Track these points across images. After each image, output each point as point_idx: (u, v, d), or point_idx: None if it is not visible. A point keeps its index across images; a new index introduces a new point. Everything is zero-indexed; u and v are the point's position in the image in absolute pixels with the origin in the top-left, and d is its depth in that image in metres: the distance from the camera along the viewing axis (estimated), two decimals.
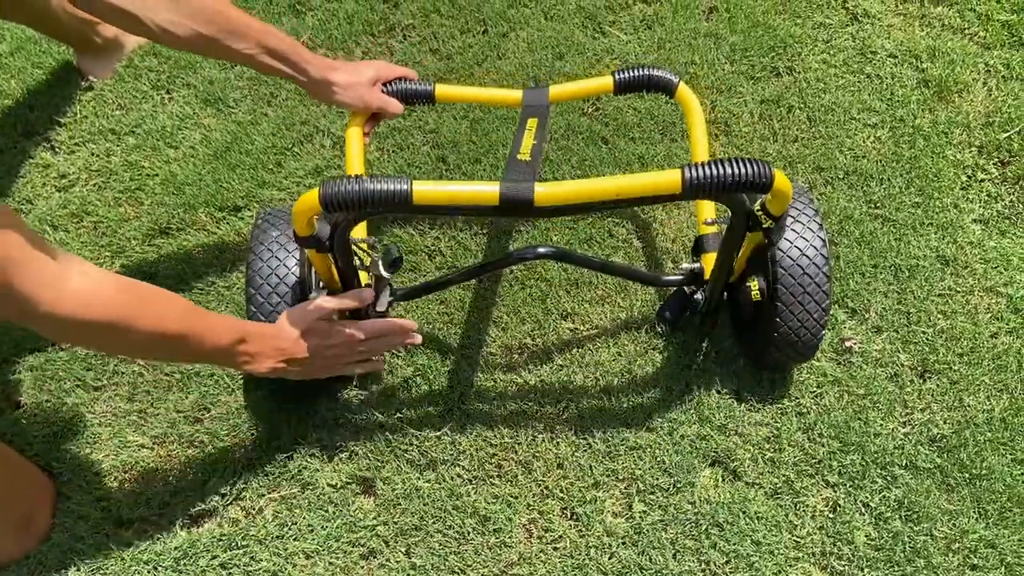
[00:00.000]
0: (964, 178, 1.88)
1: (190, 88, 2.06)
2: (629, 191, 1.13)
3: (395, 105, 1.57)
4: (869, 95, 2.01)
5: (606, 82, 1.60)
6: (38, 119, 2.03)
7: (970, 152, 1.91)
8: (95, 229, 1.85)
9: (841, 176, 1.87)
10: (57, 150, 1.98)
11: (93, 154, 1.97)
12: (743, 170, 1.09)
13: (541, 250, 1.44)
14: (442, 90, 1.59)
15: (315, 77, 1.47)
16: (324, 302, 1.38)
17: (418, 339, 1.48)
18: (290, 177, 1.91)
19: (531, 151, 1.35)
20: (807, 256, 1.42)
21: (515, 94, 1.62)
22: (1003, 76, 2.03)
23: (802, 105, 1.98)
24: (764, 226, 1.24)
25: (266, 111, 2.02)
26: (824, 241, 1.43)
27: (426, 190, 1.12)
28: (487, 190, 1.14)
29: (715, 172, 1.09)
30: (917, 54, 2.06)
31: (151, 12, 1.32)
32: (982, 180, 1.88)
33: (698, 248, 1.58)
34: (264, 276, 1.43)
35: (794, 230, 1.44)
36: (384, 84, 1.58)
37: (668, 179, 1.11)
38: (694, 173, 1.10)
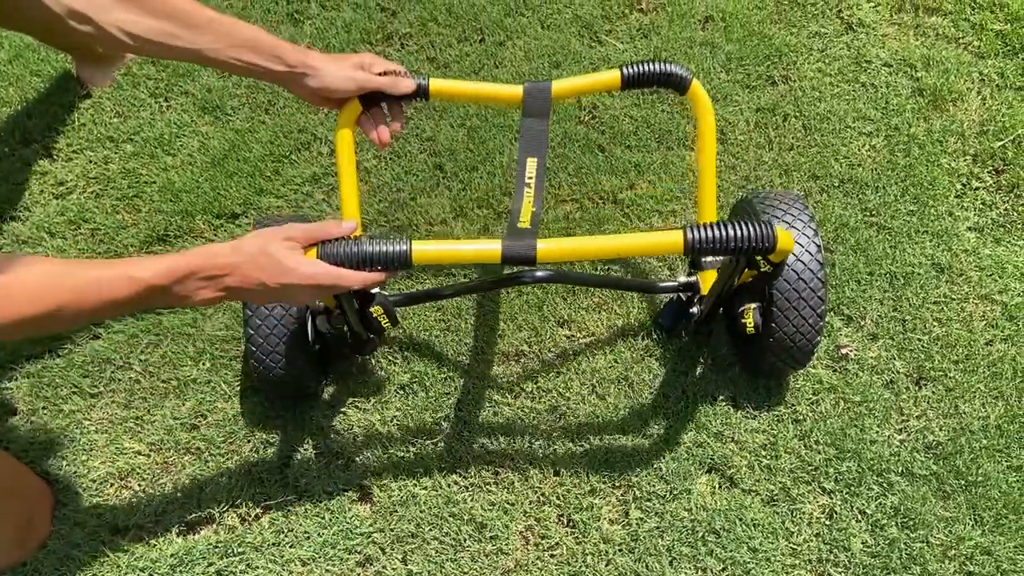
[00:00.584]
0: (959, 186, 1.89)
1: (188, 96, 2.07)
2: (631, 250, 1.15)
3: (402, 83, 1.35)
4: (864, 104, 2.02)
5: (613, 76, 1.41)
6: (36, 126, 2.03)
7: (965, 160, 1.92)
8: (92, 236, 1.85)
9: (836, 184, 1.88)
10: (55, 157, 1.99)
11: (91, 161, 1.97)
12: (746, 233, 1.09)
13: (539, 274, 1.43)
14: (437, 85, 1.37)
15: (291, 62, 1.28)
16: (293, 227, 1.17)
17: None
18: (288, 184, 1.91)
19: (531, 219, 1.30)
20: (802, 262, 1.42)
21: (515, 90, 1.41)
22: (997, 85, 2.04)
23: (798, 114, 1.99)
24: (763, 270, 1.23)
25: (264, 119, 2.03)
26: (819, 248, 1.44)
27: (426, 251, 1.12)
28: (489, 249, 1.14)
29: (718, 235, 1.09)
30: (912, 63, 2.08)
31: (103, 11, 1.19)
32: (977, 188, 1.89)
33: (696, 264, 1.58)
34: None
35: None
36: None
37: (671, 240, 1.11)
38: (697, 235, 1.10)
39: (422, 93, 1.36)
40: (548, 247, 1.15)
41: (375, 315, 1.40)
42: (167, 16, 1.21)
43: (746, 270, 1.30)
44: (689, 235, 1.10)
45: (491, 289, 1.68)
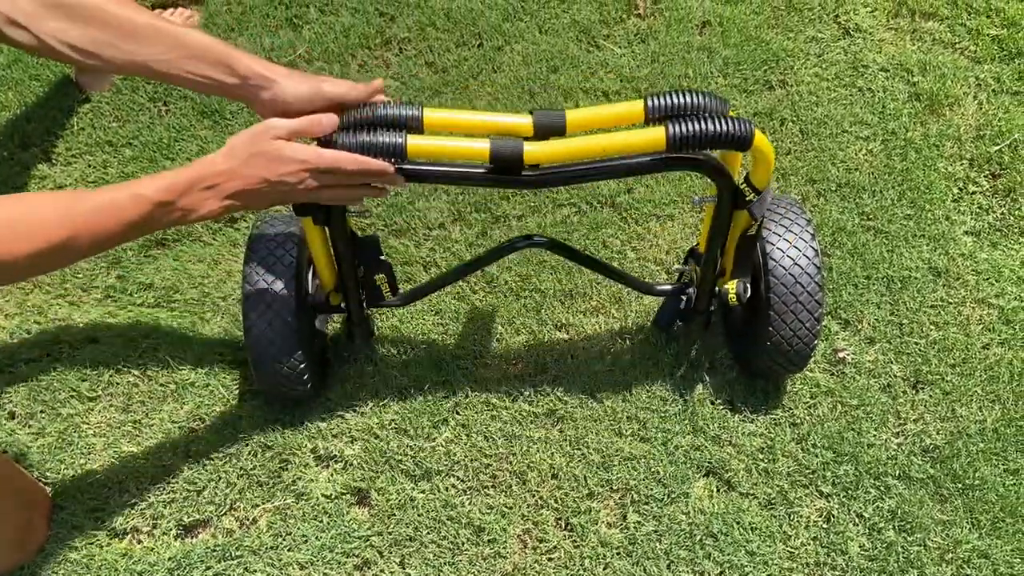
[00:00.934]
0: (955, 190, 1.90)
1: (186, 100, 2.07)
2: (616, 148, 1.15)
3: (373, 90, 1.21)
4: (861, 108, 2.02)
5: (656, 136, 1.15)
6: (35, 131, 2.03)
7: (961, 165, 1.93)
8: None
9: (834, 188, 1.89)
10: (54, 162, 1.99)
11: (90, 166, 1.97)
12: (725, 127, 1.11)
13: (536, 239, 1.45)
14: (432, 116, 1.19)
15: (243, 72, 1.15)
16: (276, 122, 1.12)
17: (401, 181, 1.20)
18: None
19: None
20: (799, 266, 1.43)
21: (523, 121, 1.18)
22: (993, 90, 2.05)
23: (795, 118, 2.00)
24: (748, 199, 1.25)
25: None
26: (816, 251, 1.44)
27: (420, 144, 1.14)
28: (478, 146, 1.15)
29: (698, 128, 1.11)
30: (908, 68, 2.09)
31: (36, 20, 1.09)
32: (973, 192, 1.90)
33: (693, 257, 1.58)
34: (261, 277, 1.44)
35: (787, 240, 1.45)
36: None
37: (654, 136, 1.13)
38: (678, 130, 1.11)
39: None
40: (536, 148, 1.14)
41: (377, 282, 1.45)
42: (104, 25, 1.12)
43: (732, 235, 1.35)
44: (671, 130, 1.12)
45: (489, 263, 1.59)
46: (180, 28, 1.15)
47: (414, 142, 1.14)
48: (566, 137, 1.17)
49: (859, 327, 1.70)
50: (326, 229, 1.33)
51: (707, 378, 1.64)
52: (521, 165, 1.16)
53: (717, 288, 1.50)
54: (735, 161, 1.27)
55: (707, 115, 1.13)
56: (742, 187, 1.26)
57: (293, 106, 1.17)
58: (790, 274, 1.43)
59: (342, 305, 1.52)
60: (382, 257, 1.43)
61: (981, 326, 1.71)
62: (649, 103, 1.14)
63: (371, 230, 1.85)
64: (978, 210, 1.87)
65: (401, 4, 2.21)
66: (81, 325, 1.73)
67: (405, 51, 2.16)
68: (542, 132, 1.18)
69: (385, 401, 1.63)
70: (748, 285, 1.47)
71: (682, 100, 1.14)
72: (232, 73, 1.15)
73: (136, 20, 1.12)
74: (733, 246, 1.42)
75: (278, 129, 1.11)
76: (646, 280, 1.77)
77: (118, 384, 1.66)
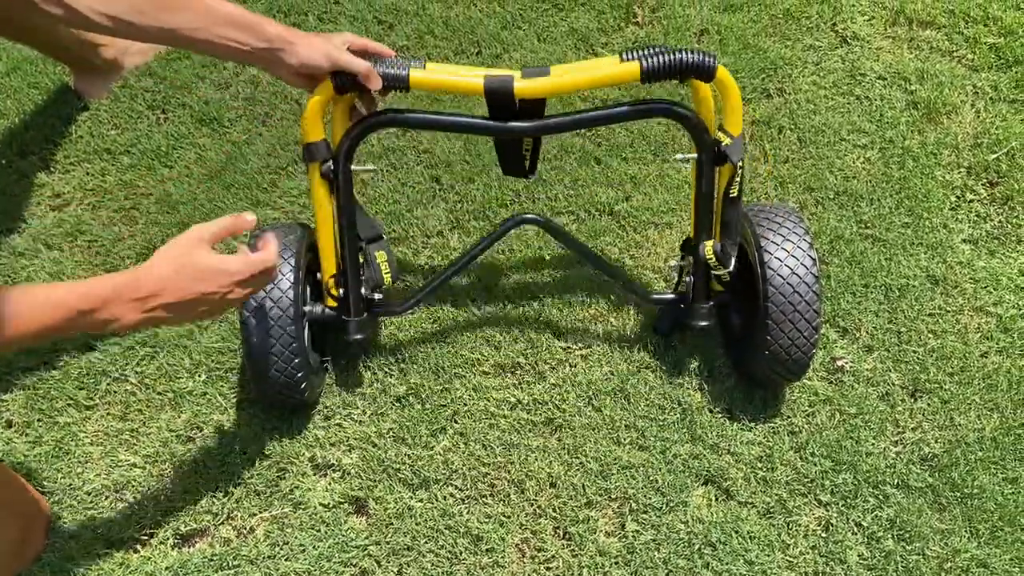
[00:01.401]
0: (953, 198, 1.90)
1: (185, 108, 2.08)
2: (598, 82, 1.34)
3: (372, 76, 1.30)
4: (859, 116, 2.03)
5: (630, 69, 1.32)
6: (34, 139, 2.03)
7: (959, 173, 1.93)
8: (89, 248, 1.85)
9: (831, 196, 1.89)
10: (52, 169, 1.99)
11: (88, 173, 1.97)
12: (690, 57, 1.30)
13: (528, 216, 1.55)
14: (418, 76, 1.32)
15: (270, 35, 1.24)
16: (201, 231, 1.15)
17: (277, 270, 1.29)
18: (284, 196, 1.92)
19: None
20: (797, 275, 1.43)
21: (514, 73, 1.33)
22: (991, 98, 2.05)
23: (792, 126, 2.00)
24: (723, 144, 1.38)
25: (260, 131, 2.03)
26: (814, 260, 1.44)
27: (420, 77, 1.32)
28: (473, 80, 1.31)
29: (666, 59, 1.30)
30: (906, 76, 2.09)
31: None
32: (971, 200, 1.90)
33: (686, 249, 1.59)
34: (258, 294, 1.44)
35: (784, 248, 1.45)
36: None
37: (629, 69, 1.31)
38: (650, 63, 1.30)
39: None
40: (525, 84, 1.31)
41: (378, 260, 1.52)
42: None
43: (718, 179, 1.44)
44: (644, 64, 1.30)
45: (487, 247, 1.60)
46: None
47: (416, 74, 1.31)
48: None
49: (857, 335, 1.70)
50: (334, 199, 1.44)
51: (705, 386, 1.64)
52: (512, 100, 1.33)
53: (700, 253, 1.50)
54: (709, 115, 1.39)
55: (674, 49, 1.32)
56: (717, 136, 1.39)
57: (310, 70, 1.28)
58: (788, 283, 1.43)
59: (340, 306, 1.53)
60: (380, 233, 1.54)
61: (979, 334, 1.71)
62: (624, 55, 1.32)
63: None
64: (976, 218, 1.88)
65: (400, 12, 2.22)
66: (78, 333, 1.73)
67: None
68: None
69: (383, 409, 1.63)
70: (732, 252, 1.47)
71: (652, 49, 1.32)
72: (260, 37, 1.23)
73: None
74: (720, 208, 1.47)
75: (204, 238, 1.14)
76: (643, 287, 1.77)
77: (115, 393, 1.66)
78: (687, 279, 1.56)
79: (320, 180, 1.41)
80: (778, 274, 1.44)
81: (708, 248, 1.48)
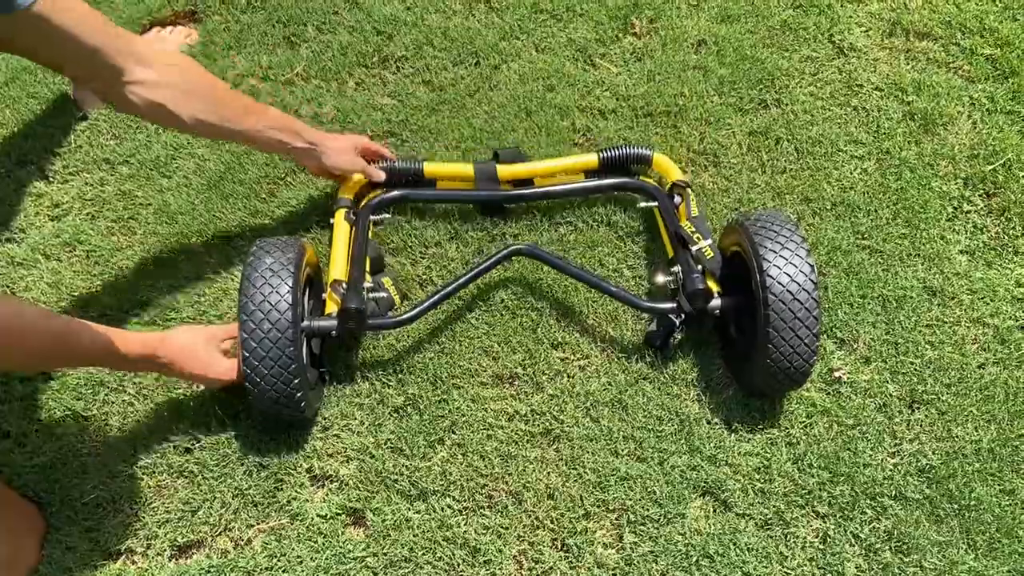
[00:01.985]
0: (950, 209, 1.90)
1: None
2: (563, 168, 1.89)
3: (379, 173, 1.83)
4: (856, 127, 2.03)
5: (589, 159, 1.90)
6: (32, 148, 2.04)
7: (956, 184, 1.94)
8: (88, 258, 1.85)
9: (829, 207, 1.89)
10: (51, 179, 1.99)
11: (87, 183, 1.98)
12: (633, 151, 1.87)
13: (518, 247, 1.72)
14: (431, 167, 1.90)
15: (310, 139, 1.67)
16: (216, 330, 1.57)
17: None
18: (283, 206, 1.92)
19: None
20: (796, 282, 1.44)
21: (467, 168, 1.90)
22: (987, 109, 2.06)
23: (790, 137, 2.01)
24: (680, 182, 1.81)
25: None
26: (812, 267, 1.45)
27: (431, 167, 1.89)
28: (465, 169, 1.89)
29: (617, 154, 1.87)
30: (903, 87, 2.10)
31: (183, 105, 1.46)
32: (968, 211, 1.91)
33: (672, 263, 1.70)
34: (257, 303, 1.44)
35: (783, 256, 1.46)
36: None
37: (588, 159, 1.90)
38: (606, 155, 1.88)
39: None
40: (505, 168, 1.88)
41: (387, 286, 1.73)
42: (230, 105, 1.55)
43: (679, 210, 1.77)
44: (602, 156, 1.88)
45: (475, 278, 1.68)
46: (261, 105, 1.64)
47: (428, 167, 1.89)
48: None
49: (855, 346, 1.71)
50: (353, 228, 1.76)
51: (703, 397, 1.64)
52: (496, 179, 1.87)
53: (692, 248, 1.66)
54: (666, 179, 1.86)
55: (622, 144, 1.89)
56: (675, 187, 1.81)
57: (335, 172, 1.77)
58: (787, 290, 1.44)
59: (336, 313, 1.58)
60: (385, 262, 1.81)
61: (976, 345, 1.71)
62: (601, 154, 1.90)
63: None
64: (973, 229, 1.88)
65: (398, 22, 2.23)
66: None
67: (402, 69, 2.17)
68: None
69: (381, 420, 1.63)
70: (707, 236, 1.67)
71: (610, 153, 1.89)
72: (301, 139, 1.67)
73: (241, 104, 1.58)
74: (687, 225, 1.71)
75: (217, 334, 1.57)
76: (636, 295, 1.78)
77: (113, 403, 1.66)
78: (676, 270, 1.64)
79: (343, 220, 1.75)
80: (777, 281, 1.44)
81: (707, 249, 1.64)
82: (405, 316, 1.60)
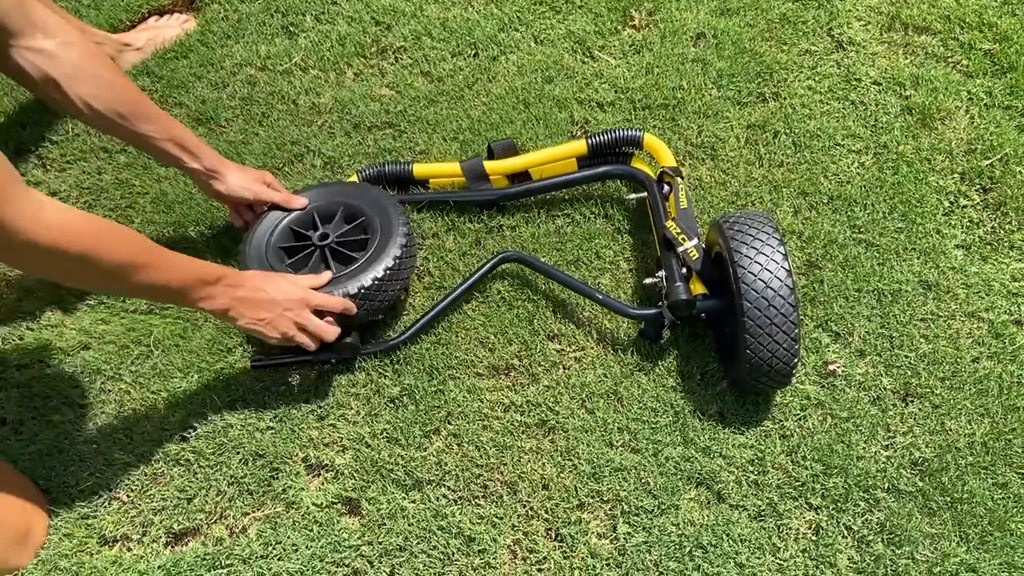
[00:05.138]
0: (947, 204, 1.91)
1: (182, 107, 2.08)
2: (552, 157, 1.85)
3: (296, 201, 1.71)
4: (853, 121, 2.03)
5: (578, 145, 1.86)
6: (30, 136, 2.04)
7: (952, 178, 1.94)
8: None
9: (825, 201, 1.90)
10: (48, 167, 1.99)
11: (84, 172, 1.98)
12: (623, 133, 1.82)
13: (508, 254, 1.74)
14: (420, 169, 1.90)
15: (208, 165, 1.61)
16: (307, 280, 1.51)
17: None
18: None
19: None
20: (772, 288, 1.43)
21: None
22: (985, 104, 2.06)
23: (787, 130, 2.01)
24: (669, 169, 1.77)
25: (257, 131, 2.04)
26: (789, 271, 1.44)
27: (419, 168, 1.89)
28: (452, 168, 1.88)
29: (607, 139, 1.83)
30: (901, 82, 2.10)
31: (75, 84, 1.40)
32: (964, 206, 1.91)
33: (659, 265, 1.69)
34: None
35: (758, 262, 1.45)
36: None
37: (578, 146, 1.85)
38: (594, 140, 1.83)
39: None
40: (492, 164, 1.86)
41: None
42: (128, 102, 1.47)
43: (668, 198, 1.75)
44: (590, 141, 1.83)
45: (468, 288, 1.70)
46: (168, 116, 1.56)
47: (416, 168, 1.89)
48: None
49: (850, 340, 1.71)
50: None
51: (698, 389, 1.65)
52: (485, 174, 1.86)
53: (678, 249, 1.64)
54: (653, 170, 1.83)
55: (612, 128, 1.84)
56: (664, 177, 1.78)
57: (231, 200, 1.67)
58: (763, 297, 1.43)
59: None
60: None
61: (971, 340, 1.71)
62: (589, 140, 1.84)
63: None
64: (969, 224, 1.88)
65: (397, 13, 2.22)
66: (73, 332, 1.74)
67: (400, 60, 2.17)
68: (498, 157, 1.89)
69: (377, 410, 1.64)
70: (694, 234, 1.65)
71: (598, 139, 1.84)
72: (198, 161, 1.60)
73: (146, 105, 1.51)
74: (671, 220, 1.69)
75: (302, 291, 1.50)
76: (631, 297, 1.78)
77: (110, 392, 1.66)
78: (662, 274, 1.64)
79: None
80: (752, 288, 1.43)
81: (691, 249, 1.62)
82: (395, 341, 1.67)
